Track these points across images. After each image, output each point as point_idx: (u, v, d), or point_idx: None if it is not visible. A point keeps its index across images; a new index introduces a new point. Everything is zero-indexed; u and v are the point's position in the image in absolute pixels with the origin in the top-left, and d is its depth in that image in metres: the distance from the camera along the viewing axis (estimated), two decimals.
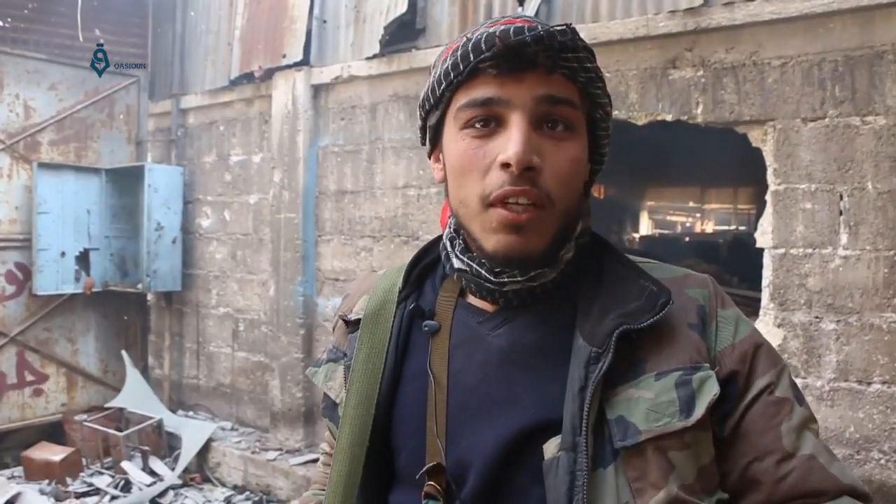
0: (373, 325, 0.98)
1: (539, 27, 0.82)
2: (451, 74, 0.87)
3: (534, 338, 0.90)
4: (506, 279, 0.90)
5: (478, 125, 0.87)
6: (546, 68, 0.84)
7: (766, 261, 3.51)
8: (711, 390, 0.82)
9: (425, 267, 1.04)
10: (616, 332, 0.83)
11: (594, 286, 0.91)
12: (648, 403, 0.81)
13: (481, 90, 0.86)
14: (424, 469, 0.87)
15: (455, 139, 0.89)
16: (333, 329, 1.11)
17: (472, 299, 0.96)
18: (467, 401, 0.89)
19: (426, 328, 0.95)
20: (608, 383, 0.82)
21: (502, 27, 0.83)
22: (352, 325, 1.02)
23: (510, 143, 0.83)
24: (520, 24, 0.83)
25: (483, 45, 0.83)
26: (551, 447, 0.82)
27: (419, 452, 0.90)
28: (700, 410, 0.81)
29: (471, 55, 0.85)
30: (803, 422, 0.86)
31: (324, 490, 1.08)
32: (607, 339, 0.83)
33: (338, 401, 0.99)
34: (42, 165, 5.83)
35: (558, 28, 0.83)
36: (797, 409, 0.87)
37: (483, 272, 0.91)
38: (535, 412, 0.85)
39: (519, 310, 0.92)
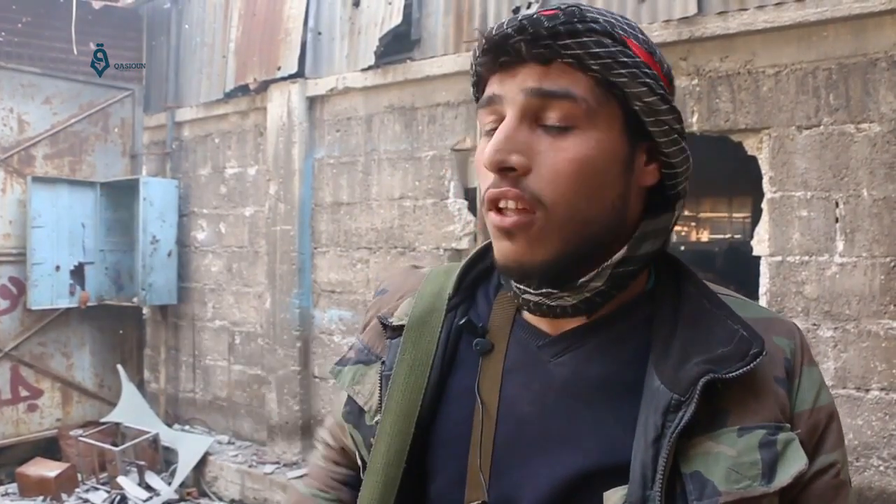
0: (418, 335, 0.89)
1: (535, 15, 0.76)
2: (471, 77, 0.86)
3: (600, 370, 0.81)
4: (523, 286, 0.83)
5: (491, 126, 0.81)
6: (540, 59, 0.76)
7: (763, 268, 3.51)
8: (799, 459, 0.75)
9: (479, 273, 0.95)
10: (702, 381, 0.74)
11: (672, 319, 0.81)
12: (730, 462, 0.73)
13: (489, 89, 0.81)
14: None
15: (480, 142, 0.84)
16: (364, 327, 1.00)
17: (529, 317, 0.87)
18: (519, 433, 0.81)
19: (477, 347, 0.86)
20: (685, 433, 0.74)
21: (504, 21, 0.77)
22: (392, 331, 0.92)
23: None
24: (519, 16, 0.76)
25: (484, 42, 0.79)
26: (615, 497, 0.74)
27: (458, 482, 0.82)
28: (785, 479, 0.74)
29: (476, 55, 0.82)
30: None
31: (322, 492, 1.03)
32: (691, 386, 0.74)
33: (366, 408, 0.90)
34: (36, 179, 5.82)
35: (547, 13, 0.75)
36: (850, 495, 0.83)
37: None
38: (596, 455, 0.77)
39: (585, 336, 0.83)
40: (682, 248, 13.23)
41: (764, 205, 3.52)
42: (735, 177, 7.43)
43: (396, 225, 4.92)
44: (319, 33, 5.41)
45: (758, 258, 3.55)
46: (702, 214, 15.81)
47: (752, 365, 0.76)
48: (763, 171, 3.52)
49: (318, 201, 5.38)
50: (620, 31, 0.78)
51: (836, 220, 3.31)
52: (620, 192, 0.80)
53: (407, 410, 0.85)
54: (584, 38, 0.75)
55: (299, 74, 5.37)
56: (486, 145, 0.79)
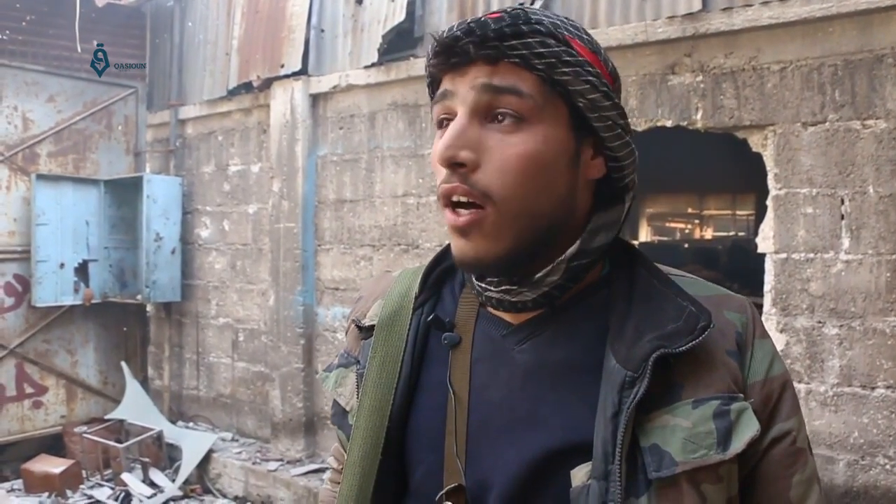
0: (387, 333, 0.94)
1: (482, 18, 0.80)
2: (427, 77, 0.89)
3: (561, 354, 0.85)
4: (484, 285, 0.88)
5: (444, 122, 0.85)
6: (488, 59, 0.80)
7: (768, 266, 3.50)
8: (751, 426, 0.79)
9: (443, 271, 0.99)
10: (653, 357, 0.78)
11: (626, 301, 0.85)
12: (685, 433, 0.77)
13: (441, 87, 0.85)
14: (444, 490, 0.83)
15: (435, 139, 0.88)
16: (346, 333, 1.06)
17: (492, 309, 0.91)
18: (489, 419, 0.85)
19: (446, 341, 0.90)
20: (642, 408, 0.78)
21: (454, 24, 0.82)
22: (365, 331, 0.97)
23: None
24: (469, 19, 0.81)
25: (436, 44, 0.84)
26: (580, 474, 0.78)
27: (436, 470, 0.86)
28: (738, 445, 0.78)
29: (429, 57, 0.85)
30: (812, 475, 0.85)
31: None
32: (643, 363, 0.78)
33: (348, 408, 0.95)
34: (41, 177, 5.83)
35: (493, 16, 0.80)
36: (809, 461, 0.86)
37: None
38: (561, 434, 0.81)
39: (545, 323, 0.87)
40: (686, 245, 13.20)
41: (769, 202, 3.50)
42: (739, 174, 7.41)
43: (400, 222, 4.91)
44: (322, 31, 5.40)
45: (763, 255, 3.54)
46: (705, 212, 15.77)
47: (700, 338, 0.79)
48: (768, 168, 3.51)
49: (321, 198, 5.38)
50: (565, 32, 0.82)
51: (842, 217, 3.30)
52: (568, 186, 0.84)
53: (379, 405, 0.89)
54: (529, 39, 0.79)
55: (302, 72, 5.36)
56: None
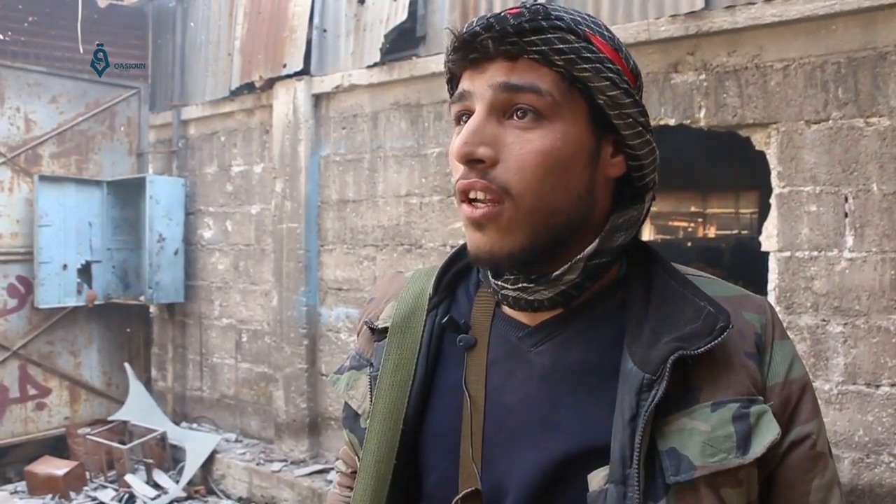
0: (401, 335, 0.92)
1: (502, 14, 0.79)
2: (445, 73, 0.88)
3: (578, 357, 0.83)
4: (500, 282, 0.87)
5: (463, 120, 0.84)
6: (507, 55, 0.79)
7: (772, 264, 3.49)
8: (771, 430, 0.78)
9: (458, 272, 0.98)
10: (671, 359, 0.76)
11: (643, 303, 0.84)
12: (704, 437, 0.76)
13: (460, 86, 0.84)
14: (461, 495, 0.82)
15: (453, 137, 0.87)
16: (358, 335, 1.04)
17: (508, 310, 0.90)
18: (505, 422, 0.84)
19: (461, 343, 0.88)
20: (660, 411, 0.76)
21: (474, 19, 0.81)
22: (378, 334, 0.96)
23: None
24: (488, 15, 0.80)
25: (455, 40, 0.83)
26: (598, 478, 0.76)
27: (452, 474, 0.84)
28: (758, 449, 0.76)
29: (448, 53, 0.85)
30: (832, 479, 0.84)
31: None
32: (661, 365, 0.76)
33: (360, 411, 0.93)
34: (43, 178, 5.83)
35: (513, 11, 0.79)
36: (829, 465, 0.84)
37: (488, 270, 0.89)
38: (579, 438, 0.79)
39: (562, 325, 0.86)
40: (689, 244, 13.18)
41: (772, 200, 3.50)
42: (742, 172, 7.41)
43: (403, 222, 4.91)
44: (325, 31, 5.40)
45: (766, 254, 3.53)
46: (708, 210, 15.75)
47: (719, 339, 0.78)
48: (771, 166, 3.50)
49: (324, 199, 5.38)
50: (585, 29, 0.81)
51: (846, 215, 3.29)
52: (586, 183, 0.83)
53: (393, 408, 0.88)
54: (549, 35, 0.78)
55: (305, 72, 5.36)
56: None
